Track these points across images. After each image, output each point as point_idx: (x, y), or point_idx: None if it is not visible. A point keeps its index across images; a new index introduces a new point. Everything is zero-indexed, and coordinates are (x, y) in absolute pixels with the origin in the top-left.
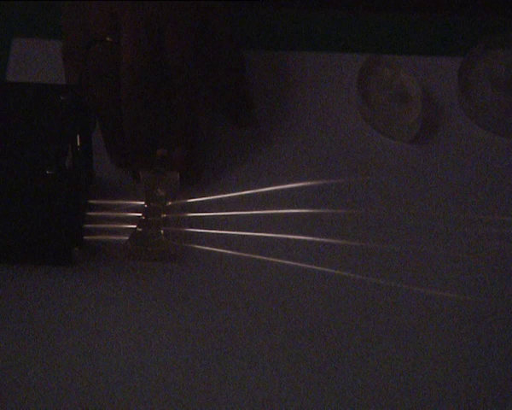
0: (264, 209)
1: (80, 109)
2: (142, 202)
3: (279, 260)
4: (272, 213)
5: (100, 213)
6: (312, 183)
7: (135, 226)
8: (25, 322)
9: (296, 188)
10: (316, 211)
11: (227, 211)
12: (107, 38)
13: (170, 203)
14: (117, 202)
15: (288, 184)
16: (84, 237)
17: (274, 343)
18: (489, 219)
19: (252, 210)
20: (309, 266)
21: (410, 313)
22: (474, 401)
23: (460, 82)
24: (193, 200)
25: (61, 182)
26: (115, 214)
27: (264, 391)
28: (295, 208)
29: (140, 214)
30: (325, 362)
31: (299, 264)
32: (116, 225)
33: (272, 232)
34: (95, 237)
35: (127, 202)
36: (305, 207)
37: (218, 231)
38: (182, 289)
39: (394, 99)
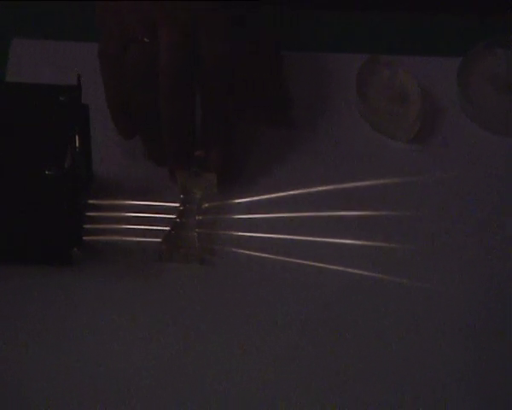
0: (299, 211)
1: (79, 110)
2: (172, 204)
3: (313, 264)
4: (308, 216)
5: (99, 214)
6: (312, 186)
7: (168, 228)
8: (24, 322)
9: (314, 192)
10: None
11: (262, 213)
12: (145, 39)
13: (206, 205)
14: (117, 202)
15: (309, 187)
16: (84, 238)
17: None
18: (489, 219)
19: (286, 212)
20: (353, 271)
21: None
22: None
23: (459, 82)
24: (229, 201)
25: (60, 182)
26: (115, 214)
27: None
28: (330, 211)
29: (173, 216)
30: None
31: (339, 268)
32: (116, 226)
33: (307, 235)
34: (94, 238)
35: (127, 202)
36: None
37: (252, 234)
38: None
39: (393, 99)
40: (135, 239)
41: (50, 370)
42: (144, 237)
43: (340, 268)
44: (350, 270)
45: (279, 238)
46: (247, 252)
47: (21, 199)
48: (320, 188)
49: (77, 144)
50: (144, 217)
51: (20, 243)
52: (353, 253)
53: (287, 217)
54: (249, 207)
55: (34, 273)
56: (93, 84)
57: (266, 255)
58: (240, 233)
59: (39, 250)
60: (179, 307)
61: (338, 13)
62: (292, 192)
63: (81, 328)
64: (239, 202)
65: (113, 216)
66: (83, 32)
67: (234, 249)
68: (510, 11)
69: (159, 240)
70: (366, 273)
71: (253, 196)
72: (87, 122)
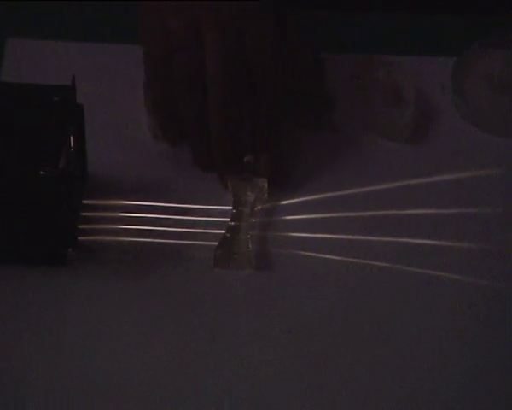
0: (350, 211)
1: (74, 110)
2: (226, 207)
3: (367, 262)
4: (359, 215)
5: (94, 214)
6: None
7: (224, 232)
8: (18, 322)
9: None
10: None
11: (314, 213)
12: (192, 46)
13: (259, 208)
14: (111, 202)
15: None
16: (79, 238)
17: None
18: (485, 219)
19: (339, 212)
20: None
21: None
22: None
23: (454, 82)
24: (281, 203)
25: (54, 183)
26: (110, 215)
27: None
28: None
29: (228, 219)
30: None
31: (386, 264)
32: (111, 226)
33: (359, 234)
34: (89, 238)
35: (121, 202)
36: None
37: (306, 234)
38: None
39: (389, 99)
40: (130, 239)
41: (44, 371)
42: (139, 237)
43: (401, 267)
44: (409, 268)
45: (332, 238)
46: (304, 253)
47: (16, 199)
48: (369, 188)
49: (71, 144)
50: (139, 217)
51: (15, 243)
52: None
53: (338, 217)
54: (296, 209)
55: (29, 273)
56: (88, 84)
57: (323, 255)
58: (291, 234)
59: (34, 250)
60: (175, 307)
61: (333, 13)
62: (340, 192)
63: (75, 328)
64: (286, 204)
65: (108, 216)
66: (78, 32)
67: (289, 251)
68: (505, 11)
69: (157, 240)
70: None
71: (299, 198)
72: (82, 122)
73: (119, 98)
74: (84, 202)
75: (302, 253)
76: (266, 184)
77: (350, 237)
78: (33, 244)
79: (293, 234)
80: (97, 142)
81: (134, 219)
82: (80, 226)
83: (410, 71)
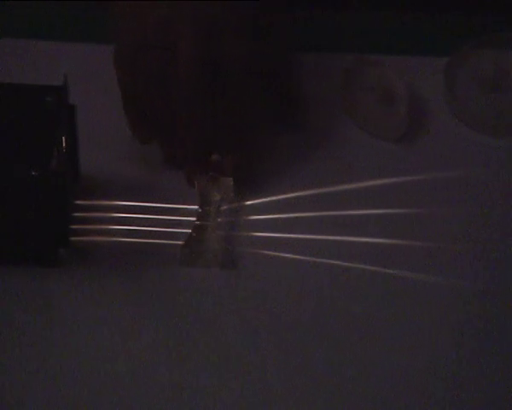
0: (316, 211)
1: (66, 110)
2: (193, 206)
3: (332, 262)
4: (325, 215)
5: (86, 214)
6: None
7: (190, 231)
8: (9, 324)
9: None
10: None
11: (281, 213)
12: (161, 43)
13: (224, 207)
14: (104, 202)
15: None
16: (71, 238)
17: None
18: (476, 217)
19: (304, 212)
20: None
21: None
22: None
23: (446, 82)
24: (247, 202)
25: (46, 183)
26: (102, 215)
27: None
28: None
29: (194, 218)
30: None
31: (356, 265)
32: (103, 226)
33: (326, 234)
34: (81, 238)
35: (113, 203)
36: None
37: (272, 234)
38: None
39: (381, 99)
40: (121, 240)
41: (35, 373)
42: (131, 237)
43: (367, 267)
44: (375, 268)
45: (297, 238)
46: (267, 252)
47: (7, 199)
48: (338, 187)
49: (63, 145)
50: (131, 217)
51: (6, 243)
52: (372, 250)
53: (304, 216)
54: (263, 209)
55: (21, 274)
56: (80, 84)
57: (285, 255)
58: (257, 234)
59: (26, 251)
60: (168, 307)
61: (325, 13)
62: (308, 192)
63: (67, 329)
64: (253, 204)
65: (100, 217)
66: (70, 33)
67: (254, 251)
68: (497, 11)
69: (148, 241)
70: (372, 268)
71: (266, 198)
72: (74, 123)
73: (111, 99)
74: (76, 202)
75: (267, 252)
76: (232, 184)
77: (316, 236)
78: (25, 245)
79: (259, 234)
80: (89, 142)
81: (126, 219)
82: (72, 227)
83: (402, 71)
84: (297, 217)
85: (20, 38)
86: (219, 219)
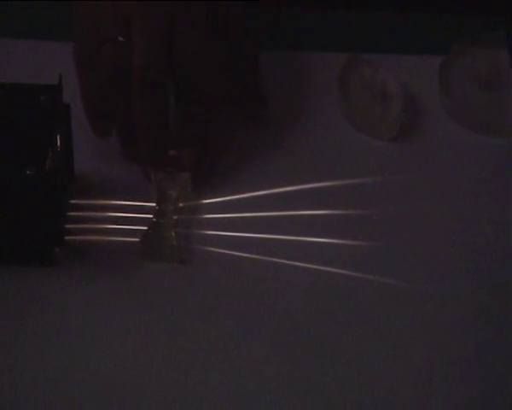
0: (275, 210)
1: (61, 109)
2: (152, 204)
3: (291, 262)
4: (285, 215)
5: (81, 214)
6: (289, 185)
7: (146, 228)
8: (3, 324)
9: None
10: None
11: (238, 213)
12: (119, 38)
13: (181, 205)
14: (99, 201)
15: (286, 186)
16: (66, 238)
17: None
18: (470, 217)
19: (263, 211)
20: (326, 269)
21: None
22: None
23: (441, 80)
24: (205, 201)
25: (41, 182)
26: (97, 214)
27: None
28: (304, 210)
29: (151, 216)
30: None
31: (317, 266)
32: (98, 225)
33: (285, 234)
34: (76, 238)
35: (109, 202)
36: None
37: (230, 233)
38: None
39: (375, 98)
40: (117, 239)
41: (30, 373)
42: (126, 236)
43: (319, 267)
44: (328, 269)
45: (255, 237)
46: (224, 251)
47: (2, 199)
48: (298, 187)
49: (58, 144)
50: (126, 217)
51: (1, 243)
52: (332, 252)
53: (263, 216)
54: (224, 207)
55: (15, 273)
56: (74, 83)
57: (242, 254)
58: (216, 232)
59: (21, 250)
60: (161, 306)
61: (319, 11)
62: (268, 191)
63: (62, 328)
64: (213, 202)
65: (95, 216)
66: (64, 32)
67: (211, 249)
68: (491, 10)
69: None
70: (343, 272)
71: (227, 196)
72: (68, 122)
73: None
74: (71, 201)
75: (224, 251)
76: (190, 179)
77: (271, 236)
78: (20, 244)
79: (215, 232)
80: (84, 141)
81: (121, 218)
82: (67, 226)
83: (396, 69)
84: (255, 216)
85: (14, 38)
86: (175, 217)
